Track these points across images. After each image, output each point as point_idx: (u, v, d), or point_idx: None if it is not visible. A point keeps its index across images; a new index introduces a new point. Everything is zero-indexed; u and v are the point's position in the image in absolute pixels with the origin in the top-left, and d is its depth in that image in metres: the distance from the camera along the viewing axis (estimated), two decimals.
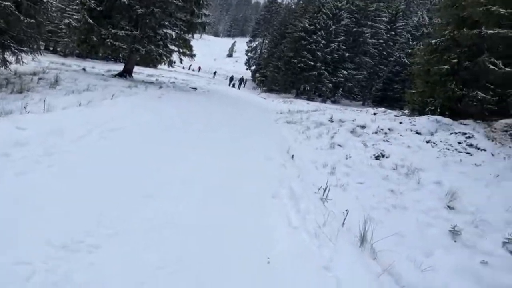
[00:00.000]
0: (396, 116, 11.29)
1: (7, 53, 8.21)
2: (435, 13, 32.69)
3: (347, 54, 33.20)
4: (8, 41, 7.94)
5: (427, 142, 7.42)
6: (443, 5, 10.44)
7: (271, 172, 4.82)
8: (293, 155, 6.63)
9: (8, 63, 8.29)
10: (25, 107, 4.99)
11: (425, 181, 5.71)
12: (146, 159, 4.42)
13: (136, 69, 34.38)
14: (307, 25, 32.75)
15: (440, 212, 4.95)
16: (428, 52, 10.10)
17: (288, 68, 33.55)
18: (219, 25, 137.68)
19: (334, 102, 34.32)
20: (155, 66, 36.87)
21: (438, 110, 9.47)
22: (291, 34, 36.36)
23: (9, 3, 7.17)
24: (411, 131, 8.52)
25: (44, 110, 5.25)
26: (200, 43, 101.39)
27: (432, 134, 7.97)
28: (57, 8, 34.53)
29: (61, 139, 4.13)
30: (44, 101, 5.60)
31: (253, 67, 58.40)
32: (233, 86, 35.18)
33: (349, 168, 6.51)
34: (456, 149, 6.88)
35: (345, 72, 33.07)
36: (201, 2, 14.92)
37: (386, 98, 34.78)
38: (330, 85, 33.31)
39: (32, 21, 8.22)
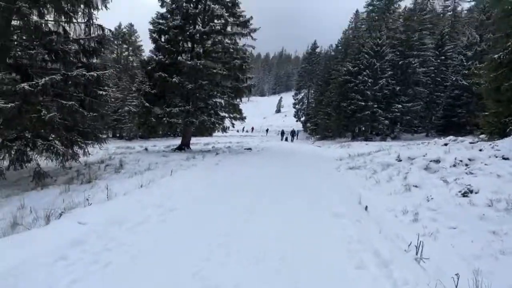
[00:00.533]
0: (472, 143, 10.17)
1: (76, 147, 8.96)
2: (487, 28, 31.06)
3: (398, 88, 32.11)
4: (75, 136, 8.73)
5: None
6: (497, 17, 9.73)
7: (346, 232, 4.29)
8: (366, 206, 6.02)
9: (77, 156, 9.01)
10: (87, 199, 5.18)
11: None
12: (205, 238, 4.16)
13: (194, 140, 36.33)
14: (350, 67, 32.74)
15: None
16: (493, 69, 9.23)
17: (339, 113, 33.11)
18: (264, 85, 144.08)
19: (394, 138, 32.62)
20: (210, 135, 38.71)
21: None
22: (335, 80, 36.49)
23: (73, 102, 7.98)
24: (496, 157, 7.49)
25: (107, 197, 5.43)
26: (249, 105, 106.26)
27: None
28: (120, 98, 38.81)
29: (119, 229, 4.10)
30: (107, 188, 5.82)
31: (302, 118, 58.93)
32: (286, 140, 35.37)
33: (434, 211, 5.72)
34: None
35: (399, 106, 31.73)
36: (244, 67, 15.64)
37: (451, 125, 32.29)
38: (386, 121, 31.97)
39: (95, 114, 9.04)
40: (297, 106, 61.17)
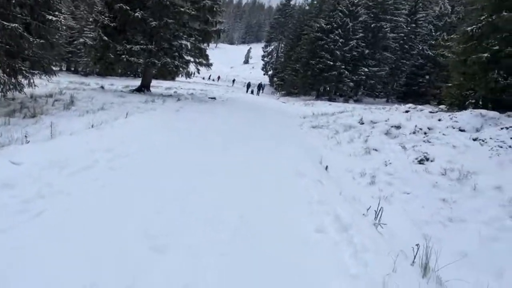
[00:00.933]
0: (432, 112, 10.45)
1: (20, 77, 8.02)
2: (459, 0, 31.28)
3: (367, 51, 32.16)
4: (19, 64, 7.75)
5: (474, 140, 6.63)
6: None
7: (307, 192, 4.19)
8: (327, 166, 6.01)
9: (21, 87, 8.10)
10: (25, 136, 4.60)
11: (482, 186, 5.00)
12: (159, 191, 3.75)
13: (155, 82, 34.67)
14: (323, 24, 32.02)
15: (505, 223, 4.27)
16: (463, 41, 9.25)
17: (306, 70, 32.85)
18: (234, 33, 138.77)
19: (356, 101, 33.29)
20: (173, 79, 37.10)
21: (480, 103, 8.63)
22: (307, 36, 35.70)
23: (16, 25, 6.95)
24: (454, 128, 7.73)
25: (51, 135, 4.88)
26: (216, 52, 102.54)
27: (478, 130, 7.17)
28: (76, 29, 35.45)
29: (59, 174, 3.58)
30: (51, 126, 5.24)
31: (270, 72, 58.05)
32: (252, 92, 34.77)
33: (391, 175, 5.85)
34: (510, 146, 6.08)
35: (366, 69, 32.01)
36: (215, 9, 14.57)
37: (411, 93, 33.42)
38: (351, 84, 32.33)
39: (42, 41, 8.02)
40: (265, 59, 59.91)
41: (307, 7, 55.67)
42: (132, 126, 6.27)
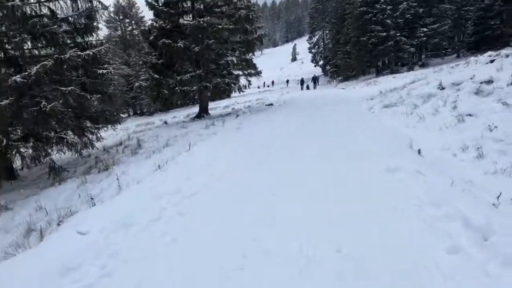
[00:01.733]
0: None
1: (88, 134, 8.45)
2: None
3: (421, 10, 29.16)
4: (84, 122, 8.16)
5: None
6: None
7: (409, 190, 3.39)
8: (419, 150, 5.10)
9: (91, 143, 8.52)
10: (92, 198, 4.57)
11: None
12: (233, 232, 3.28)
13: (213, 104, 35.71)
14: None
15: None
16: None
17: (359, 49, 30.88)
18: (275, 34, 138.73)
19: (422, 65, 30.28)
20: (228, 96, 37.74)
21: None
22: (351, 14, 33.72)
23: (72, 87, 7.29)
24: None
25: (119, 189, 4.81)
26: (263, 58, 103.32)
27: None
28: (133, 75, 38.17)
29: (125, 236, 3.32)
30: (117, 179, 5.21)
31: (321, 62, 56.34)
32: (307, 88, 33.65)
33: (502, 142, 4.72)
34: None
35: (425, 29, 29.00)
36: (251, 16, 14.24)
37: (484, 40, 29.43)
38: (412, 49, 29.50)
39: (99, 96, 8.38)
40: (313, 51, 58.23)
41: None
42: (196, 158, 6.08)
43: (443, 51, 32.52)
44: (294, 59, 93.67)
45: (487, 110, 6.01)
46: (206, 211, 3.94)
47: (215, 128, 9.51)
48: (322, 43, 56.79)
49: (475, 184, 3.70)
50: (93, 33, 9.64)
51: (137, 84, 15.88)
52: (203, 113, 15.92)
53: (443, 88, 8.02)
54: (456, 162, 4.72)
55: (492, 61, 9.37)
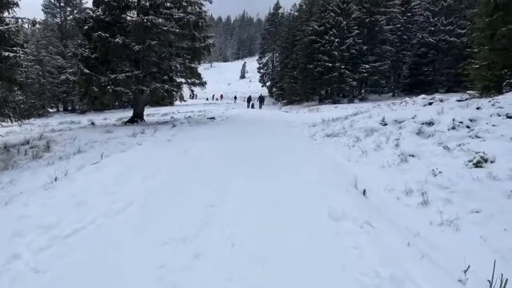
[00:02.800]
0: (460, 100, 9.08)
1: None
2: None
3: (365, 47, 30.95)
4: None
5: None
6: None
7: (360, 252, 2.72)
8: (364, 190, 4.64)
9: None
10: None
11: None
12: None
13: (153, 110, 33.77)
14: (316, 26, 31.02)
15: None
16: (488, 13, 7.93)
17: (305, 76, 31.69)
18: (227, 50, 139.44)
19: (362, 99, 31.93)
20: (171, 104, 36.10)
21: None
22: (301, 41, 34.70)
23: None
24: (500, 116, 6.37)
25: None
26: (212, 71, 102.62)
27: None
28: (66, 67, 34.83)
29: None
30: None
31: (268, 83, 57.30)
32: (253, 106, 33.42)
33: (446, 189, 4.44)
34: None
35: (367, 66, 30.75)
36: (200, 24, 13.48)
37: (417, 84, 31.98)
38: (354, 82, 31.05)
39: (5, 83, 6.91)
40: (262, 71, 59.11)
41: (296, 13, 54.99)
42: (104, 173, 4.89)
43: (380, 89, 34.64)
44: (243, 76, 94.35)
45: (428, 152, 5.85)
46: (77, 271, 2.63)
47: (143, 138, 8.37)
48: (271, 65, 57.91)
49: (423, 238, 3.26)
50: (8, 10, 8.12)
51: (63, 77, 13.89)
52: (137, 118, 14.56)
53: (385, 124, 7.93)
54: (401, 207, 4.32)
55: (430, 103, 9.65)
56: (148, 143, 7.39)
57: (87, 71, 12.29)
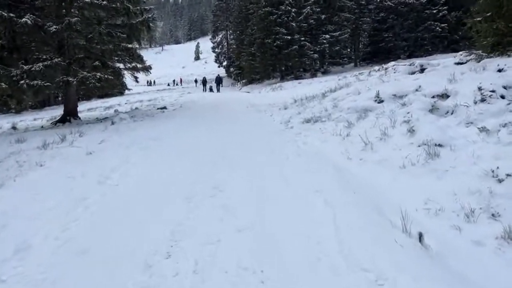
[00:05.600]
0: (460, 63, 7.51)
1: None
2: None
3: (323, 16, 29.17)
4: None
5: None
6: None
7: None
8: (420, 235, 2.71)
9: None
10: None
11: None
12: None
13: (100, 102, 30.29)
14: None
15: None
16: None
17: (264, 51, 29.53)
18: (178, 32, 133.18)
19: (324, 73, 30.43)
20: (121, 93, 32.58)
21: None
22: (255, 14, 32.23)
23: None
24: None
25: None
26: (164, 54, 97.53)
27: None
28: None
29: None
30: None
31: (224, 63, 54.47)
32: (211, 90, 30.76)
33: None
34: None
35: (327, 36, 29.11)
36: None
37: (378, 51, 30.97)
38: (315, 55, 29.36)
39: None
40: (216, 50, 56.05)
41: None
42: None
43: (341, 60, 33.29)
44: (197, 58, 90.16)
45: (461, 138, 4.13)
46: None
47: (56, 150, 5.73)
48: (226, 43, 55.02)
49: None
50: None
51: None
52: (70, 116, 11.84)
53: (381, 101, 6.14)
54: (471, 250, 2.53)
55: (422, 70, 8.01)
56: (56, 162, 5.01)
57: None
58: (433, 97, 5.39)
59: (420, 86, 5.83)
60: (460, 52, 8.56)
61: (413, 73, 8.39)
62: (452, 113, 4.83)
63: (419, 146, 4.24)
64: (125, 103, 19.74)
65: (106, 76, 10.39)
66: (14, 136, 7.94)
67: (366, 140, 4.82)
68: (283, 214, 3.20)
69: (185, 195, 3.77)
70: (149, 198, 3.82)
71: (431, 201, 3.16)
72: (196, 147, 6.00)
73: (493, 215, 2.79)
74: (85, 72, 10.08)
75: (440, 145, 4.09)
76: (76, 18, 9.56)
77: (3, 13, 9.25)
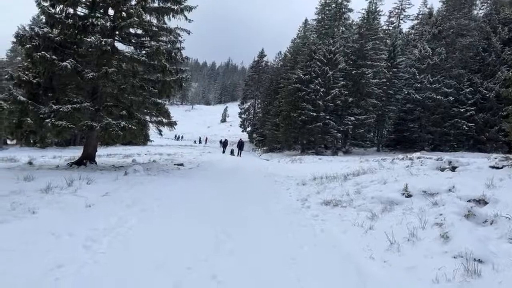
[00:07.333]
0: (496, 167, 7.07)
1: None
2: (439, 41, 30.14)
3: (350, 99, 29.96)
4: None
5: None
6: None
7: None
8: None
9: None
10: None
11: None
12: None
13: (121, 149, 30.82)
14: (301, 75, 30.00)
15: None
16: None
17: (288, 123, 30.07)
18: (209, 94, 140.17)
19: (346, 152, 30.35)
20: (144, 143, 33.17)
21: None
22: (285, 88, 33.59)
23: None
24: None
25: None
26: (193, 113, 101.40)
27: None
28: None
29: None
30: None
31: (248, 128, 56.04)
32: (232, 153, 30.85)
33: None
34: None
35: (352, 118, 29.58)
36: (173, 54, 11.45)
37: (402, 140, 30.94)
38: (339, 134, 29.60)
39: None
40: (243, 116, 57.95)
41: (281, 63, 54.88)
42: None
43: (364, 143, 33.31)
44: (224, 120, 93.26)
45: (503, 255, 3.57)
46: None
47: (58, 196, 5.49)
48: (252, 111, 57.03)
49: None
50: None
51: None
52: (87, 159, 11.85)
53: (409, 195, 5.68)
54: None
55: (453, 168, 7.58)
56: (50, 211, 4.66)
57: (22, 98, 9.75)
58: (469, 201, 4.90)
59: (454, 187, 5.38)
60: (495, 155, 8.16)
61: (442, 169, 7.96)
62: (491, 223, 4.30)
63: (454, 257, 3.67)
64: (145, 154, 19.88)
65: (130, 125, 10.48)
66: (25, 173, 7.79)
67: (392, 239, 4.28)
68: None
69: (174, 286, 3.23)
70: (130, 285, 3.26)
71: None
72: (202, 218, 5.49)
73: None
74: (110, 119, 10.22)
75: (480, 261, 3.52)
76: (113, 69, 9.98)
77: (47, 54, 9.81)
